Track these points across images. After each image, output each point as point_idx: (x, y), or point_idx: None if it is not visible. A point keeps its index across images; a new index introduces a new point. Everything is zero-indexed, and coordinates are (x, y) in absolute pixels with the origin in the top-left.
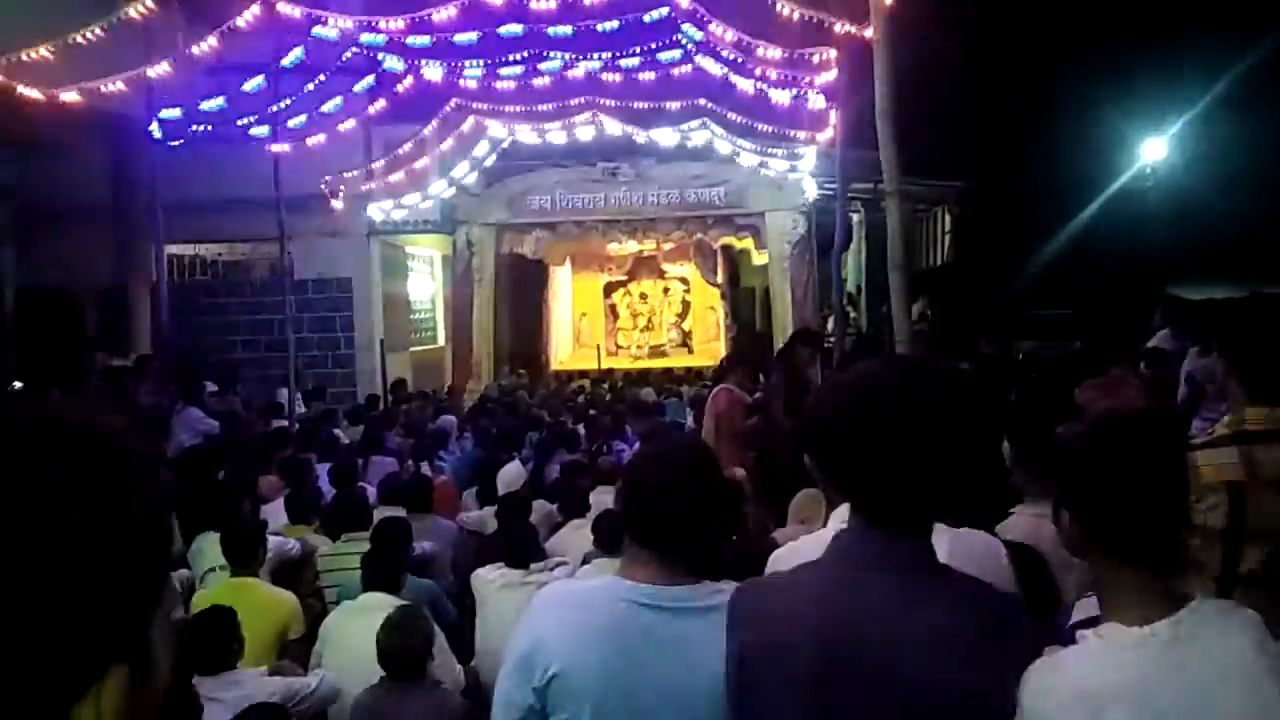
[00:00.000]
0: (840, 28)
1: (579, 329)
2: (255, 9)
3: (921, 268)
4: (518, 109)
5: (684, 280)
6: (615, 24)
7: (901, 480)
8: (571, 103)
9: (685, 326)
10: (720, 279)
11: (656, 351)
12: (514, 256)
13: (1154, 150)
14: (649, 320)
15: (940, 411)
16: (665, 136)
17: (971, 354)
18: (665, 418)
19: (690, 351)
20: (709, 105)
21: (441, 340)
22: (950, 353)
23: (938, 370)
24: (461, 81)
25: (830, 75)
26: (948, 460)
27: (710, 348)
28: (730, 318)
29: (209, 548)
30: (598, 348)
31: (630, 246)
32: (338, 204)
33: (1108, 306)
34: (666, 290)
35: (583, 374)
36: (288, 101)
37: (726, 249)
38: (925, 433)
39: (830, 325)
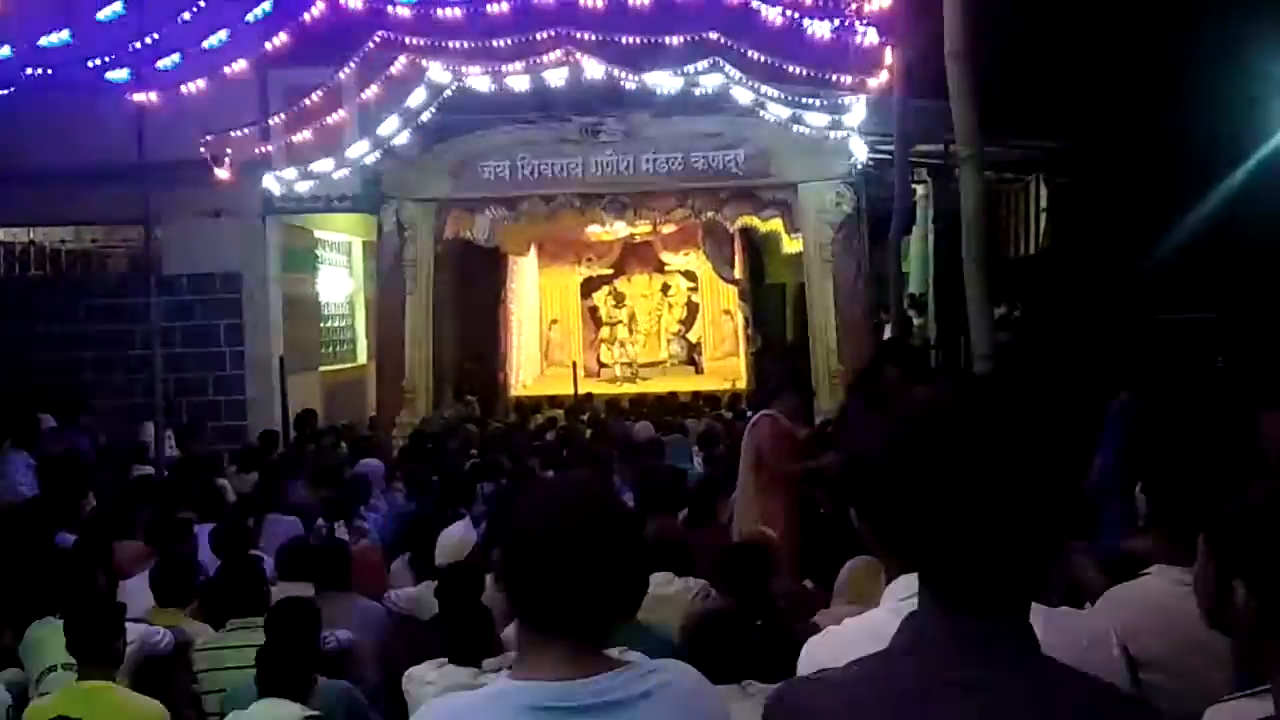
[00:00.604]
0: None
1: (548, 341)
2: None
3: (1009, 256)
4: (465, 45)
5: (690, 275)
6: None
7: (998, 549)
8: (538, 37)
9: (692, 337)
10: (739, 273)
11: (652, 371)
12: (460, 244)
13: None
14: (642, 329)
15: (1055, 451)
16: (664, 82)
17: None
18: (666, 460)
19: (699, 371)
20: (723, 40)
21: (363, 357)
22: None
23: (1047, 396)
24: (390, 9)
25: (885, 0)
26: (1058, 518)
27: (725, 365)
28: (752, 325)
29: (48, 639)
30: (573, 366)
31: (617, 230)
32: (222, 173)
33: (1267, 308)
34: (666, 288)
35: (554, 401)
36: (156, 35)
37: (747, 233)
38: (1032, 481)
39: (887, 335)
